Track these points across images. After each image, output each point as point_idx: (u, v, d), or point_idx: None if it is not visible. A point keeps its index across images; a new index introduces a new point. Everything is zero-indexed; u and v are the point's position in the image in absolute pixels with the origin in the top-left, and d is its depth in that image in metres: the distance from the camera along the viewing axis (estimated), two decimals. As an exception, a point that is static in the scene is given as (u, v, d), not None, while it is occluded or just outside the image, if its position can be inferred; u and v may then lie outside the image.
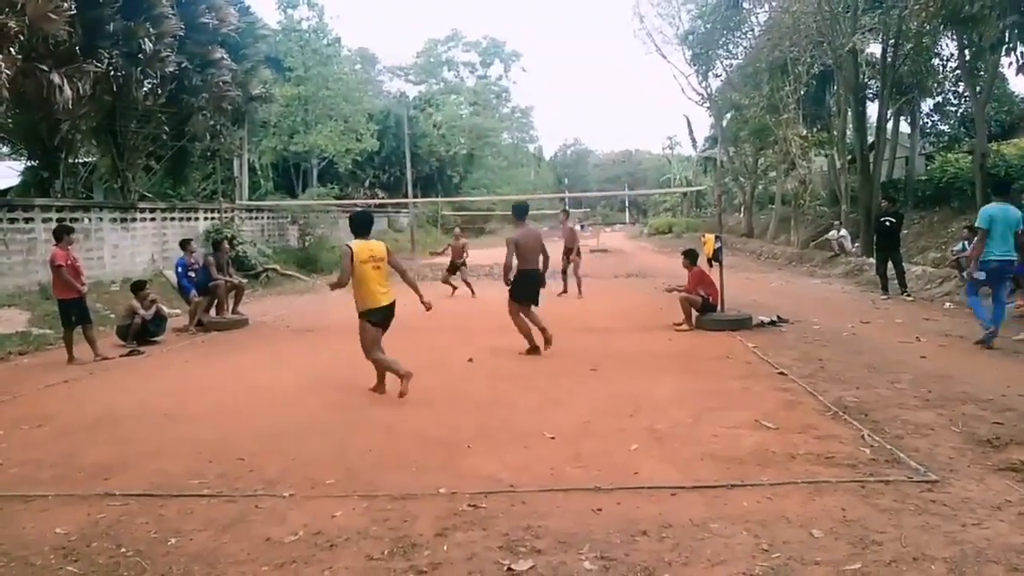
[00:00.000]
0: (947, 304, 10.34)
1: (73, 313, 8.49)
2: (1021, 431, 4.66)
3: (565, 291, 13.68)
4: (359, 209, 7.61)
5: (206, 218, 18.04)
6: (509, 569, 3.03)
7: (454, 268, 14.90)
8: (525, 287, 7.78)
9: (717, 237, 10.32)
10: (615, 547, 3.21)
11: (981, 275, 7.70)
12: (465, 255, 15.08)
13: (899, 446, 4.43)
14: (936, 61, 21.02)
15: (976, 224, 7.82)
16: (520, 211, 8.42)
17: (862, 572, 2.91)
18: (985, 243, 7.57)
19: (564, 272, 13.84)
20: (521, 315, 7.77)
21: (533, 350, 7.80)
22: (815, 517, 3.46)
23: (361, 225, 6.22)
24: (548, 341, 7.75)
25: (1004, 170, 17.10)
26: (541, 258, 7.89)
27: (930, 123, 25.74)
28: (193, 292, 10.95)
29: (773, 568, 2.97)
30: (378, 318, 6.01)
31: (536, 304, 7.96)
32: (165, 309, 10.48)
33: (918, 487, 3.79)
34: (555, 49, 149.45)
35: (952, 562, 2.98)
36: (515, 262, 7.87)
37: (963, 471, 4.02)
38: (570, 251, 13.70)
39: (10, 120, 14.59)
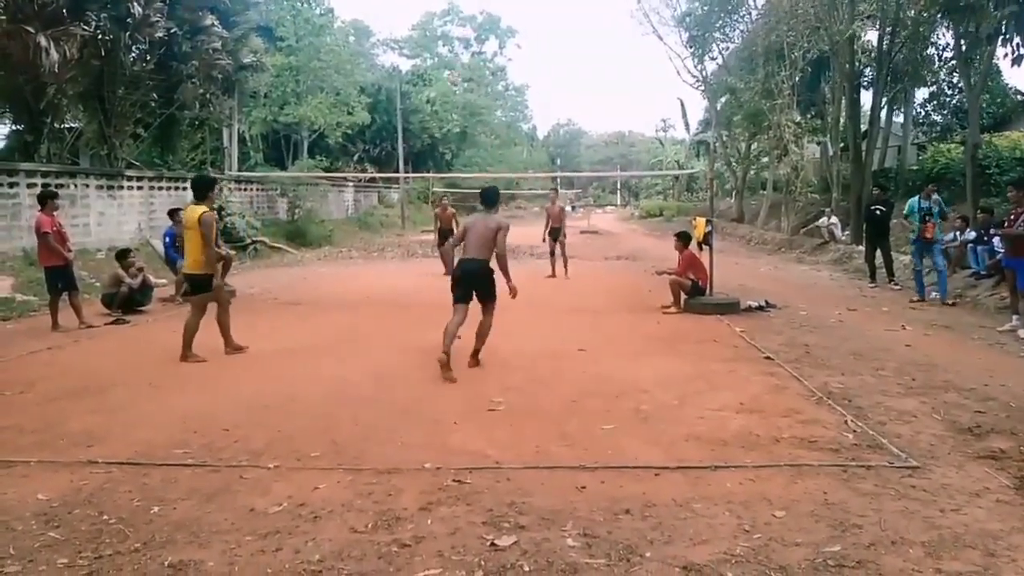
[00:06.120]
0: (933, 293, 10.41)
1: (59, 280, 8.39)
2: (1002, 420, 4.72)
3: (553, 274, 13.24)
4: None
5: (194, 188, 17.80)
6: (492, 544, 3.04)
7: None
8: None
9: (708, 221, 10.30)
10: (598, 524, 3.23)
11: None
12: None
13: (881, 432, 4.47)
14: (932, 51, 21.00)
15: (950, 212, 10.75)
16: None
17: (841, 554, 2.95)
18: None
19: (552, 254, 13.38)
20: None
21: None
22: (797, 500, 3.49)
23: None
24: None
25: (995, 162, 17.21)
26: None
27: (923, 113, 25.76)
28: (180, 262, 10.82)
29: (754, 548, 3.00)
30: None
31: None
32: (152, 278, 10.40)
33: (899, 472, 3.84)
34: (550, 28, 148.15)
35: (930, 546, 3.02)
36: None
37: (944, 458, 4.07)
38: (556, 231, 13.28)
39: (-6, 82, 14.35)
